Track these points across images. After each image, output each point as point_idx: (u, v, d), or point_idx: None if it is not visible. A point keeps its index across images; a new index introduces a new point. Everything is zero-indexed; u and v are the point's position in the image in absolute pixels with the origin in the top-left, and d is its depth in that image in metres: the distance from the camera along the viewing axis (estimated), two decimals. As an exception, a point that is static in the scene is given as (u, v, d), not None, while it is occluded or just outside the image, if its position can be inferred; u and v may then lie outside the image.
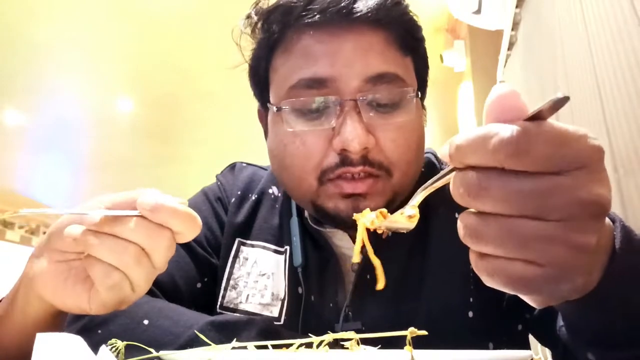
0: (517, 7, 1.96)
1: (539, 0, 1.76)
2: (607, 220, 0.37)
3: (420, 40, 0.67)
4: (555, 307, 0.44)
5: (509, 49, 2.16)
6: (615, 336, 0.41)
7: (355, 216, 0.45)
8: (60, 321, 0.51)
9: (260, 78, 0.68)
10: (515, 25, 2.04)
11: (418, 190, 0.38)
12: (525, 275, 0.30)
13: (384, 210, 0.43)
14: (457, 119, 3.23)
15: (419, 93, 0.66)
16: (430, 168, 0.71)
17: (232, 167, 0.82)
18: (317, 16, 0.60)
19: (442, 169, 0.73)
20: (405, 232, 0.42)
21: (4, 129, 4.24)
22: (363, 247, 0.56)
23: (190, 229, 0.44)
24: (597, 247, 0.30)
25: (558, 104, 0.28)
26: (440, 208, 0.66)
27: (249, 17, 0.67)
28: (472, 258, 0.32)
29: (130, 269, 0.42)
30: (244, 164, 0.82)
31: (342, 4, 0.59)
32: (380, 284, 0.43)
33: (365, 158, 0.59)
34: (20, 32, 3.07)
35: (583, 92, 1.28)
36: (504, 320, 0.64)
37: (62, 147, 4.59)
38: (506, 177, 0.28)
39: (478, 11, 2.29)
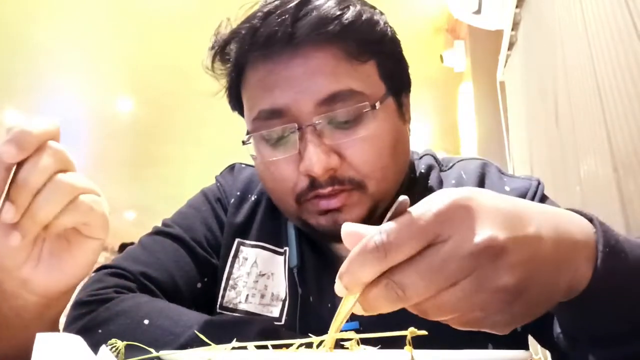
0: (517, 7, 1.96)
1: (539, 0, 1.76)
2: (585, 221, 0.38)
3: (381, 39, 0.64)
4: (552, 312, 0.44)
5: (509, 49, 2.16)
6: (612, 335, 0.41)
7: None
8: (54, 320, 0.51)
9: (236, 104, 0.70)
10: (515, 25, 2.04)
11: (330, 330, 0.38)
12: (478, 322, 0.34)
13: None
14: (457, 119, 3.23)
15: (393, 91, 0.64)
16: (429, 169, 0.71)
17: (232, 168, 0.82)
18: (262, 49, 0.60)
19: (442, 171, 0.73)
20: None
21: (4, 129, 4.24)
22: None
23: (54, 132, 0.42)
24: (535, 269, 0.33)
25: (403, 205, 0.33)
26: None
27: (211, 47, 0.69)
28: (447, 322, 0.36)
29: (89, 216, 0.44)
30: (243, 165, 0.83)
31: (282, 31, 0.59)
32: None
33: (334, 178, 0.60)
34: (20, 33, 3.08)
35: (583, 92, 1.28)
36: None
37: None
38: (410, 267, 0.32)
39: (478, 11, 2.29)
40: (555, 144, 1.50)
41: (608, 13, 1.14)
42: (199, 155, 4.50)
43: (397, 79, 0.67)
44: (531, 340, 0.68)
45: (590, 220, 0.39)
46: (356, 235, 0.34)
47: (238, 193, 0.76)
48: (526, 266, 0.32)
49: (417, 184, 0.69)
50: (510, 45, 2.14)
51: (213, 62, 0.68)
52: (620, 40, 1.07)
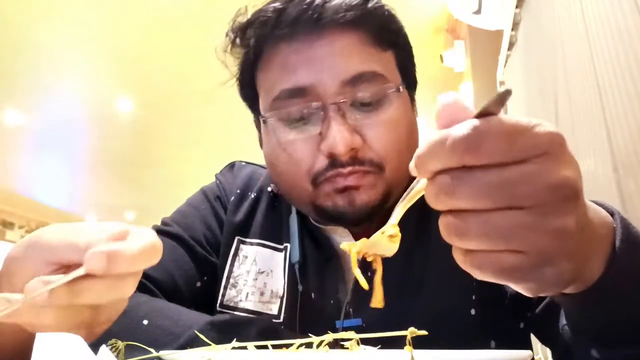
0: (517, 7, 1.96)
1: (539, 0, 1.76)
2: (605, 213, 0.38)
3: (398, 32, 0.67)
4: (559, 303, 0.44)
5: (509, 49, 2.16)
6: (619, 333, 0.41)
7: (344, 246, 0.44)
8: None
9: (248, 91, 0.69)
10: (515, 25, 2.04)
11: (396, 206, 0.37)
12: (511, 265, 0.30)
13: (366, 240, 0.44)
14: (457, 119, 3.22)
15: (405, 85, 0.66)
16: None
17: (232, 166, 0.82)
18: (288, 28, 0.61)
19: None
20: (389, 256, 0.42)
21: (4, 129, 4.24)
22: (366, 269, 0.56)
23: (153, 261, 0.37)
24: (579, 229, 0.31)
25: (503, 97, 0.29)
26: None
27: (227, 34, 0.68)
28: (457, 255, 0.33)
29: (94, 317, 0.39)
30: (243, 163, 0.83)
31: (311, 12, 0.60)
32: (374, 303, 0.42)
33: (355, 158, 0.60)
34: (21, 32, 3.08)
35: (583, 92, 1.28)
36: (507, 318, 0.64)
37: (62, 147, 4.60)
38: (473, 174, 0.29)
39: (478, 11, 2.29)
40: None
41: (608, 13, 1.14)
42: (199, 155, 4.50)
43: (409, 74, 0.69)
44: (532, 340, 0.68)
45: (612, 214, 0.38)
46: (454, 108, 0.31)
47: (238, 191, 0.76)
48: (582, 221, 0.31)
49: None
50: (510, 45, 2.14)
51: (232, 45, 0.68)
52: (621, 39, 1.07)
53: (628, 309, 0.39)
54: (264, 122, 0.64)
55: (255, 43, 0.65)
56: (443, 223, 0.32)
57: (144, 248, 0.36)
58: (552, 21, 1.56)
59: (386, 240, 0.41)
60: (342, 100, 0.60)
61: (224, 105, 3.72)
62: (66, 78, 3.58)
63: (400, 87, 0.64)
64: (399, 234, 0.40)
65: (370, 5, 0.63)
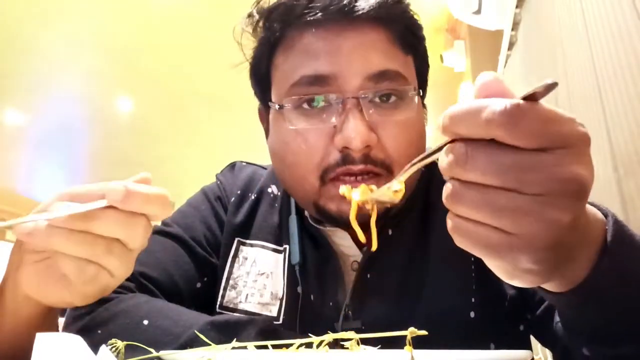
0: (517, 7, 1.96)
1: (539, 0, 1.76)
2: (600, 214, 0.38)
3: (421, 39, 0.68)
4: (550, 301, 0.44)
5: (509, 49, 2.16)
6: (609, 332, 0.41)
7: (343, 190, 0.47)
8: (52, 316, 0.51)
9: (261, 77, 0.67)
10: (515, 25, 2.04)
11: (407, 166, 0.38)
12: (492, 241, 0.32)
13: (372, 186, 0.46)
14: (457, 119, 3.21)
15: (420, 91, 0.66)
16: (433, 167, 0.71)
17: (232, 166, 0.82)
18: (319, 14, 0.60)
19: None
20: (390, 205, 0.44)
21: (4, 129, 4.24)
22: (366, 241, 0.57)
23: (164, 210, 0.42)
24: (572, 227, 0.31)
25: (550, 87, 0.29)
26: (441, 208, 0.66)
27: (250, 15, 0.67)
28: (448, 218, 0.34)
29: (104, 260, 0.41)
30: (244, 163, 0.82)
31: (344, 2, 0.59)
32: (374, 246, 0.45)
33: (367, 156, 0.59)
34: (20, 33, 3.08)
35: (583, 92, 1.28)
36: (506, 320, 0.63)
37: (62, 147, 4.60)
38: (492, 150, 0.30)
39: (478, 11, 2.29)
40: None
41: (608, 13, 1.14)
42: (199, 155, 4.50)
43: (424, 80, 0.69)
44: (532, 341, 0.68)
45: (606, 216, 0.39)
46: (495, 87, 0.31)
47: (238, 192, 0.76)
48: (578, 221, 0.32)
49: (434, 177, 0.68)
50: (510, 45, 2.14)
51: (254, 26, 0.66)
52: (621, 39, 1.07)
53: (618, 308, 0.39)
54: (279, 107, 0.62)
55: (281, 26, 0.63)
56: (447, 186, 0.33)
57: (158, 195, 0.41)
58: (552, 21, 1.56)
59: (390, 194, 0.42)
60: (362, 95, 0.59)
61: (224, 106, 3.72)
62: (66, 78, 3.58)
63: (421, 91, 0.64)
64: (404, 189, 0.41)
65: (401, 6, 0.63)
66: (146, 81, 3.61)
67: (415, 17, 0.66)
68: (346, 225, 0.63)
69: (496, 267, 0.34)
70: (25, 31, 3.07)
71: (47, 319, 0.50)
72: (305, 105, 0.61)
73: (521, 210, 0.30)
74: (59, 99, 3.85)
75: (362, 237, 0.45)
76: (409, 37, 0.64)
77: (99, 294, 0.44)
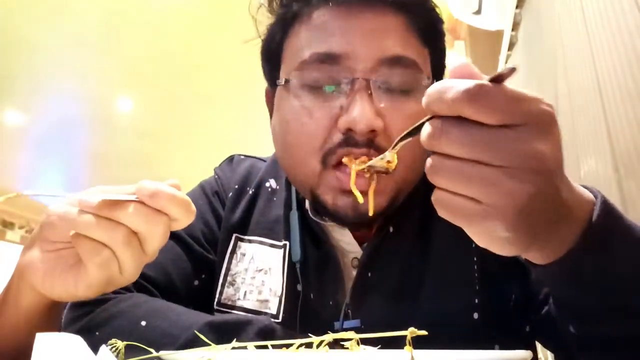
0: (517, 7, 1.96)
1: (539, 0, 1.75)
2: (591, 195, 0.40)
3: (441, 34, 0.66)
4: (537, 275, 0.45)
5: (509, 49, 2.16)
6: (591, 310, 0.42)
7: (345, 160, 0.51)
8: (53, 313, 0.51)
9: (272, 54, 0.66)
10: (515, 26, 2.04)
11: (396, 139, 0.41)
12: (465, 209, 0.35)
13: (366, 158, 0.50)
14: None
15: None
16: None
17: (230, 159, 0.81)
18: None
19: None
20: (385, 173, 0.49)
21: (4, 129, 4.24)
22: (366, 240, 0.58)
23: (186, 215, 0.44)
24: (542, 200, 0.34)
25: (512, 71, 0.33)
26: None
27: None
28: (434, 191, 0.37)
29: (120, 249, 0.43)
30: (242, 156, 0.81)
31: None
32: (371, 211, 0.50)
33: (371, 142, 0.57)
34: (20, 33, 3.07)
35: (584, 92, 1.28)
36: (511, 321, 0.63)
37: (62, 147, 4.59)
38: (462, 125, 0.34)
39: (478, 11, 2.29)
40: (556, 144, 1.50)
41: (609, 13, 1.14)
42: (199, 155, 4.50)
43: (439, 77, 0.67)
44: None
45: (596, 197, 0.40)
46: (465, 71, 0.35)
47: (236, 186, 0.75)
48: (549, 194, 0.35)
49: None
50: (511, 46, 2.14)
51: (272, 2, 0.65)
52: (622, 40, 1.07)
53: (599, 286, 0.40)
54: (286, 82, 0.61)
55: (299, 3, 0.62)
56: (428, 160, 0.36)
57: (183, 199, 0.44)
58: (552, 21, 1.56)
59: (384, 164, 0.46)
60: (373, 79, 0.57)
61: (224, 106, 3.71)
62: (66, 78, 3.58)
63: (434, 82, 0.62)
64: (396, 161, 0.46)
65: None
66: (146, 81, 3.61)
67: (438, 10, 0.65)
68: (342, 224, 0.63)
69: (475, 235, 0.37)
70: (25, 31, 3.06)
71: (48, 317, 0.50)
72: (313, 83, 0.59)
73: (488, 181, 0.33)
74: (59, 99, 3.85)
75: (360, 199, 0.50)
76: (428, 30, 0.63)
77: (102, 286, 0.45)
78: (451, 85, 0.33)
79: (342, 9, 0.59)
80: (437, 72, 0.66)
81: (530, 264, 0.42)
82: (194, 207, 0.45)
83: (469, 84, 0.33)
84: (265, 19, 0.67)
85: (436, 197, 0.37)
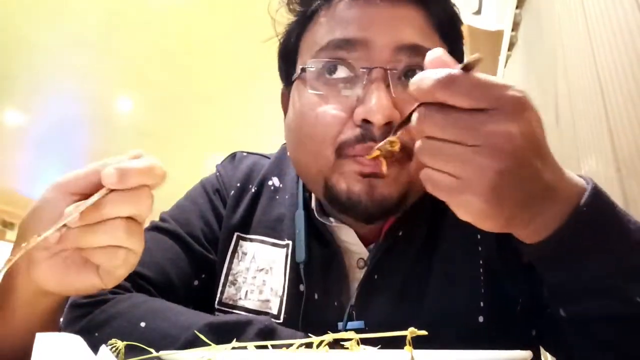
0: (517, 7, 1.96)
1: (539, 0, 1.75)
2: (582, 181, 0.43)
3: (460, 33, 0.66)
4: (526, 254, 0.46)
5: (509, 49, 2.16)
6: (580, 288, 0.44)
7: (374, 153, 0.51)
8: (62, 306, 0.53)
9: (289, 51, 0.65)
10: (515, 26, 2.04)
11: (394, 127, 0.47)
12: (445, 184, 0.40)
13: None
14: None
15: None
16: None
17: (233, 157, 0.80)
18: None
19: None
20: (390, 155, 0.51)
21: (4, 129, 4.24)
22: (371, 241, 0.64)
23: (159, 178, 0.45)
24: (520, 179, 0.38)
25: (478, 60, 0.37)
26: (450, 212, 0.65)
27: None
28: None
29: (128, 241, 0.43)
30: (245, 154, 0.80)
31: None
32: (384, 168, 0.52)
33: (389, 135, 0.55)
34: (20, 33, 3.07)
35: (584, 92, 1.28)
36: (517, 325, 0.62)
37: (62, 147, 4.59)
38: (443, 110, 0.38)
39: (478, 12, 2.29)
40: (556, 145, 1.50)
41: (610, 13, 1.14)
42: (199, 155, 4.50)
43: None
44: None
45: (587, 183, 0.43)
46: (439, 60, 0.39)
47: (238, 184, 0.74)
48: (523, 174, 0.38)
49: None
50: (510, 46, 2.14)
51: (290, 2, 0.65)
52: (623, 40, 1.07)
53: (588, 265, 0.43)
54: (302, 71, 0.60)
55: (318, 1, 0.62)
56: (418, 142, 0.41)
57: (149, 166, 0.44)
58: (552, 21, 1.56)
59: (388, 146, 0.49)
60: (390, 68, 0.56)
61: (224, 106, 3.72)
62: (66, 78, 3.58)
63: None
64: (399, 143, 0.49)
65: None
66: (146, 81, 3.61)
67: (457, 10, 0.65)
68: (357, 213, 0.59)
69: (455, 207, 0.41)
70: (25, 31, 3.06)
71: (62, 310, 0.51)
72: (329, 71, 0.58)
73: (462, 158, 0.38)
74: (59, 99, 3.85)
75: (384, 166, 0.52)
76: (447, 27, 0.62)
77: (127, 273, 0.46)
78: (427, 75, 0.38)
79: (362, 1, 0.59)
80: None
81: (521, 245, 0.44)
82: (160, 167, 0.45)
83: (441, 73, 0.37)
84: (284, 20, 0.66)
85: (423, 173, 0.41)
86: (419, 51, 0.57)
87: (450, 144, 0.38)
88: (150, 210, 0.45)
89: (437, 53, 0.40)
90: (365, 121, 0.55)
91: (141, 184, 0.43)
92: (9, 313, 0.49)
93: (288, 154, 0.69)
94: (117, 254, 0.43)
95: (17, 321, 0.49)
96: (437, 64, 0.39)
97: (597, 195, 0.42)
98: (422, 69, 0.58)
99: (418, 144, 0.40)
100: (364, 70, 0.56)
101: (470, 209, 0.40)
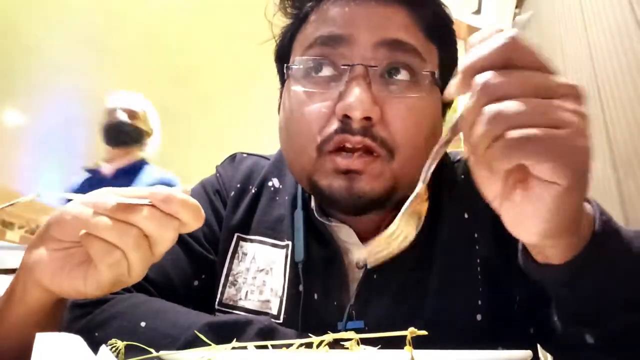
0: (517, 7, 1.96)
1: (539, 0, 1.76)
2: (588, 206, 0.42)
3: (450, 31, 0.66)
4: (546, 278, 0.45)
5: (509, 49, 2.16)
6: (604, 308, 0.43)
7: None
8: (58, 310, 0.51)
9: (283, 52, 0.67)
10: (515, 26, 2.04)
11: (425, 168, 0.40)
12: (551, 135, 0.34)
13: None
14: (457, 119, 3.21)
15: (440, 81, 0.63)
16: (441, 172, 0.67)
17: (233, 158, 0.80)
18: None
19: (456, 165, 0.70)
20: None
21: (4, 129, 4.24)
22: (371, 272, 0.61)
23: (196, 220, 0.46)
24: (589, 160, 0.37)
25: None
26: (449, 209, 0.65)
27: None
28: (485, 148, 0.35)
29: (131, 251, 0.43)
30: (245, 155, 0.80)
31: None
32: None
33: (367, 130, 0.56)
34: (20, 33, 3.07)
35: (583, 92, 1.28)
36: (515, 323, 0.62)
37: (62, 147, 4.59)
38: (511, 72, 0.34)
39: (478, 11, 2.29)
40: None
41: (608, 12, 1.14)
42: (199, 155, 4.50)
43: (447, 76, 0.66)
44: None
45: (589, 202, 0.42)
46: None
47: (238, 185, 0.74)
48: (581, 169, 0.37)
49: (444, 182, 0.67)
50: (510, 45, 2.14)
51: (282, 5, 0.66)
52: (620, 41, 1.07)
53: (610, 282, 0.42)
54: (290, 69, 0.62)
55: (310, 2, 0.63)
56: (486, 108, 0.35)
57: (194, 204, 0.45)
58: (552, 21, 1.56)
59: (419, 200, 0.43)
60: (372, 64, 0.57)
61: (223, 106, 3.72)
62: (66, 78, 3.58)
63: (436, 75, 0.61)
64: (426, 193, 0.42)
65: None
66: (146, 81, 3.61)
67: (446, 9, 0.65)
68: (340, 209, 0.62)
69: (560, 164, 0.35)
70: (25, 31, 3.06)
71: (54, 313, 0.50)
72: (314, 73, 0.60)
73: (557, 106, 0.34)
74: (59, 99, 3.85)
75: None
76: (434, 26, 0.62)
77: (110, 286, 0.45)
78: (491, 37, 0.35)
79: (350, 1, 0.60)
80: (447, 72, 0.65)
81: (537, 267, 0.43)
82: (203, 213, 0.46)
83: (507, 33, 0.35)
84: (281, 23, 0.67)
85: (510, 137, 0.33)
86: (401, 46, 0.58)
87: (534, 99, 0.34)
88: (170, 245, 0.46)
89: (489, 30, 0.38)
90: (346, 116, 0.56)
91: (179, 215, 0.44)
92: (7, 306, 0.49)
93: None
94: (113, 253, 0.43)
95: (13, 317, 0.49)
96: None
97: (604, 212, 0.42)
98: (405, 65, 0.58)
99: (491, 109, 0.33)
100: (345, 67, 0.57)
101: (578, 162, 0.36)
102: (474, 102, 0.34)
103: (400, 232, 0.44)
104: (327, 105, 0.58)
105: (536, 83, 0.34)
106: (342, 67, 0.58)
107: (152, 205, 0.44)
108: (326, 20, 0.60)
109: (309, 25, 0.63)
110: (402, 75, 0.59)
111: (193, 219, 0.45)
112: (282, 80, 0.68)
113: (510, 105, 0.33)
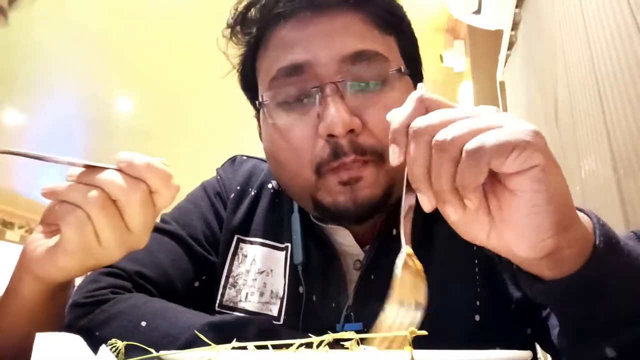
0: (517, 7, 1.96)
1: (538, 0, 1.76)
2: (584, 216, 0.41)
3: (402, 17, 0.66)
4: (545, 294, 0.44)
5: (509, 49, 2.16)
6: (618, 320, 0.42)
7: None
8: (53, 306, 0.52)
9: (248, 82, 0.68)
10: (515, 25, 2.04)
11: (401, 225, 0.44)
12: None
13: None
14: (457, 119, 3.21)
15: (410, 73, 0.64)
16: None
17: (233, 160, 0.81)
18: (288, 5, 0.60)
19: None
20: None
21: (4, 129, 4.24)
22: (367, 242, 0.62)
23: (166, 187, 0.46)
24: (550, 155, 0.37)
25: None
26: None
27: (230, 25, 0.67)
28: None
29: (94, 211, 0.44)
30: (245, 157, 0.81)
31: None
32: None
33: (356, 144, 0.58)
34: (20, 33, 3.07)
35: (583, 92, 1.28)
36: (513, 324, 0.62)
37: (62, 147, 4.59)
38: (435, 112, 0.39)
39: (478, 11, 2.29)
40: (556, 144, 1.50)
41: (608, 13, 1.14)
42: (199, 155, 4.50)
43: (414, 63, 0.67)
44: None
45: (589, 216, 0.41)
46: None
47: (238, 187, 0.75)
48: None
49: None
50: (510, 45, 2.14)
51: (234, 33, 0.66)
52: (620, 40, 1.07)
53: (615, 299, 0.41)
54: (261, 104, 0.62)
55: (257, 26, 0.63)
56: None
57: (160, 168, 0.45)
58: (552, 21, 1.56)
59: (408, 259, 0.46)
60: (340, 80, 0.58)
61: (224, 105, 3.71)
62: (66, 78, 3.58)
63: (402, 69, 0.62)
64: (414, 256, 0.46)
65: None
66: (146, 81, 3.61)
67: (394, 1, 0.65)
68: (343, 218, 0.62)
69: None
70: (24, 31, 3.06)
71: (48, 308, 0.50)
72: (286, 98, 0.60)
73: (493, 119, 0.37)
74: (59, 99, 3.85)
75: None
76: (387, 17, 0.63)
77: (81, 252, 0.45)
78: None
79: (297, 21, 0.60)
80: (410, 58, 0.66)
81: (534, 283, 0.43)
82: (174, 181, 0.46)
83: (414, 95, 0.41)
84: (237, 51, 0.68)
85: (470, 149, 0.36)
86: (363, 55, 0.59)
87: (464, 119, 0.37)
88: (140, 212, 0.45)
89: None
90: (331, 135, 0.57)
91: (145, 178, 0.44)
92: (4, 298, 0.50)
93: None
94: (74, 212, 0.44)
95: (10, 309, 0.49)
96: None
97: (607, 233, 0.41)
98: (371, 72, 0.59)
99: (437, 139, 0.37)
100: (315, 89, 0.58)
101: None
102: (416, 149, 0.38)
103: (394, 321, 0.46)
104: (308, 130, 0.59)
105: (456, 111, 0.38)
106: (312, 89, 0.59)
107: (119, 170, 0.45)
108: (284, 48, 0.60)
109: (268, 53, 0.63)
110: (372, 79, 0.59)
111: (161, 183, 0.45)
112: (256, 108, 0.69)
113: (452, 127, 0.36)
